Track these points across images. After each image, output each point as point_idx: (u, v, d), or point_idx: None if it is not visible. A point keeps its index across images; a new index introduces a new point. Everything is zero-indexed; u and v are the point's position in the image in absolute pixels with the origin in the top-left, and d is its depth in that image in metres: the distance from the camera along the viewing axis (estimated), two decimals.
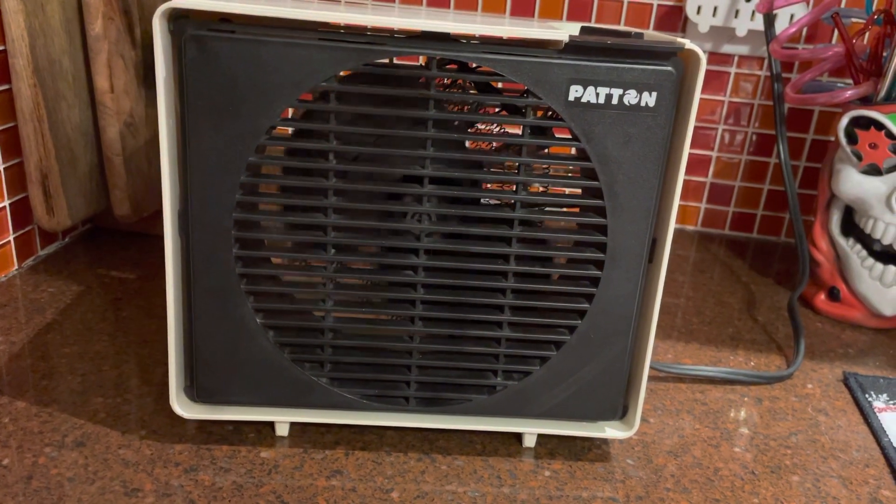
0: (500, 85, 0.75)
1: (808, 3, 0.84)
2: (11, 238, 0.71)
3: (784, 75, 0.88)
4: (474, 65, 0.44)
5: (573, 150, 0.46)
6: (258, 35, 0.42)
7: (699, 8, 0.83)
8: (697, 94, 0.45)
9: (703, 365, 0.65)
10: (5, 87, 0.67)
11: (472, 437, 0.54)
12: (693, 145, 0.93)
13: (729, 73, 0.90)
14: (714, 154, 0.93)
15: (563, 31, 0.45)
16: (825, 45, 0.77)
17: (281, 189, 0.47)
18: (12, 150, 0.69)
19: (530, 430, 0.52)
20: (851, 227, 0.75)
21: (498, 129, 0.52)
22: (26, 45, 0.64)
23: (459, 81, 0.50)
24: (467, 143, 0.52)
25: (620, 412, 0.52)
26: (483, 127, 0.52)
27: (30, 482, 0.46)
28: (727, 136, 0.92)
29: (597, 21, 0.89)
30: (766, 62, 0.88)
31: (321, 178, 0.46)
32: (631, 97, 0.44)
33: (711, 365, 0.66)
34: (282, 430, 0.52)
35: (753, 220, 0.96)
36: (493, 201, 0.49)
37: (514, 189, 0.46)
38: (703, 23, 0.84)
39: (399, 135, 0.45)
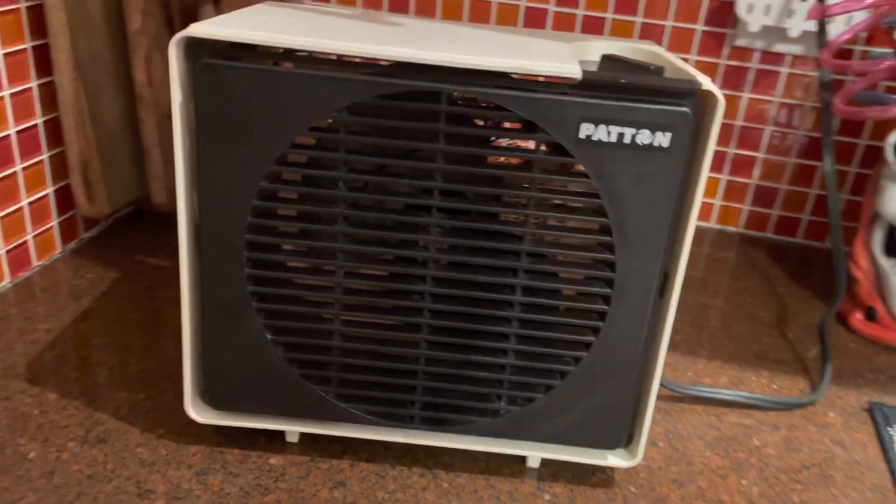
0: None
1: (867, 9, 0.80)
2: (55, 223, 0.74)
3: (838, 78, 0.85)
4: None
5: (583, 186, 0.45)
6: (270, 65, 0.43)
7: (750, 6, 0.80)
8: (714, 136, 0.43)
9: (722, 388, 0.65)
10: (49, 79, 0.69)
11: (477, 455, 0.54)
12: (740, 145, 0.90)
13: (780, 73, 0.86)
14: (761, 155, 0.90)
15: (578, 65, 0.44)
16: (880, 52, 0.73)
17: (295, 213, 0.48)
18: (56, 139, 0.71)
19: (532, 453, 0.52)
20: (894, 246, 0.72)
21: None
22: (67, 41, 0.65)
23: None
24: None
25: (624, 441, 0.52)
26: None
27: (52, 478, 0.49)
28: (776, 138, 0.89)
29: (645, 15, 0.86)
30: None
31: (331, 204, 0.46)
32: (644, 137, 0.43)
33: (732, 386, 0.65)
34: (292, 437, 0.54)
35: (798, 225, 0.93)
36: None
37: (523, 221, 0.46)
38: (754, 22, 0.81)
39: (408, 165, 0.45)
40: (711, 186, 0.93)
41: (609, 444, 0.51)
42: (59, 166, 0.72)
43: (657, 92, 0.43)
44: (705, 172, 0.44)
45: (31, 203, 0.70)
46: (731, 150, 0.91)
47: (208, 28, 0.43)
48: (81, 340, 0.63)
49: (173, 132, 0.45)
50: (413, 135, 0.45)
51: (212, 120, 0.44)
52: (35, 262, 0.72)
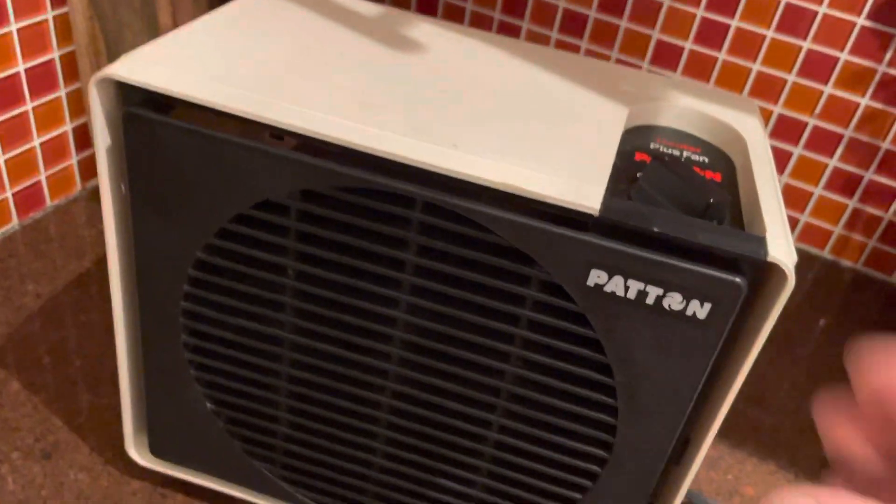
0: None
1: None
2: (75, 161, 0.68)
3: None
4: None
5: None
6: (214, 131, 0.33)
7: None
8: (773, 318, 0.31)
9: None
10: (65, 9, 0.61)
11: None
12: (881, 170, 0.73)
13: None
14: None
15: (603, 186, 0.32)
16: None
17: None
18: (75, 75, 0.65)
19: None
20: None
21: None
22: None
23: None
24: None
25: None
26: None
27: None
28: None
29: (777, 28, 0.69)
30: None
31: (278, 289, 0.38)
32: (674, 301, 0.32)
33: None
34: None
35: None
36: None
37: (505, 354, 0.36)
38: None
39: (370, 269, 0.35)
40: (833, 211, 0.77)
41: None
42: (79, 102, 0.66)
43: (701, 255, 0.31)
44: (755, 352, 0.33)
45: (43, 143, 0.64)
46: (869, 175, 0.74)
47: (131, 71, 0.33)
48: (67, 315, 0.58)
49: (100, 182, 0.37)
50: (379, 234, 0.35)
51: (143, 177, 0.36)
52: (49, 202, 0.67)
